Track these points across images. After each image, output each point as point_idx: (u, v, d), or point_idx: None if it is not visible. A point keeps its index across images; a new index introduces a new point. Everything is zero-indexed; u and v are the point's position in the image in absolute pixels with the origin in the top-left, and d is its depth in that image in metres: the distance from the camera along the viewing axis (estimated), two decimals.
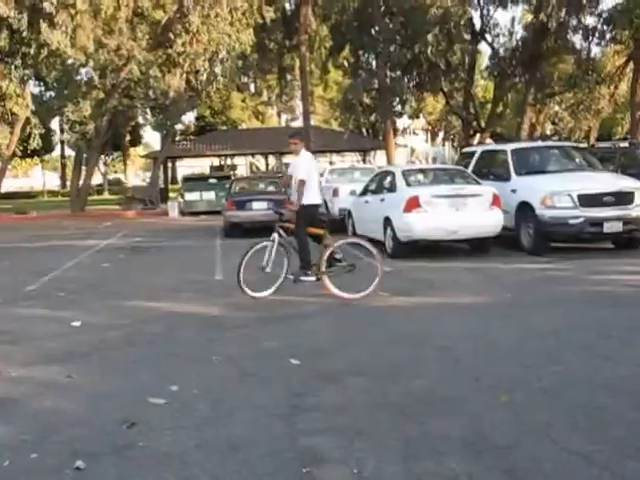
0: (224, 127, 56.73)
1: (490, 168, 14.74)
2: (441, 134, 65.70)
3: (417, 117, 56.74)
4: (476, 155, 15.48)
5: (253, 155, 50.47)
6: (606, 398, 4.83)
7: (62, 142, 52.55)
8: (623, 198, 12.13)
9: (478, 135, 35.37)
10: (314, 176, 9.41)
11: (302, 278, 8.96)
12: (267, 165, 52.31)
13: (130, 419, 4.67)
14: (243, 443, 4.24)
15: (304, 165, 9.26)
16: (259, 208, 18.10)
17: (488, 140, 33.44)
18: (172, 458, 4.06)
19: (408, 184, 13.10)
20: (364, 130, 49.78)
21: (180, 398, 5.13)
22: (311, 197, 9.21)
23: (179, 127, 53.31)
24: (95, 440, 4.37)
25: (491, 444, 4.12)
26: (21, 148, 31.36)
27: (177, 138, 53.16)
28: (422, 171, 15.10)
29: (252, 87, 56.79)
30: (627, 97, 32.52)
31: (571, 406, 4.69)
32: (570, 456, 3.91)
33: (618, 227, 11.93)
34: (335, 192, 17.72)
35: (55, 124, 47.65)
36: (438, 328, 7.14)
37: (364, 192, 15.10)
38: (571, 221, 11.87)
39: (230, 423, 4.59)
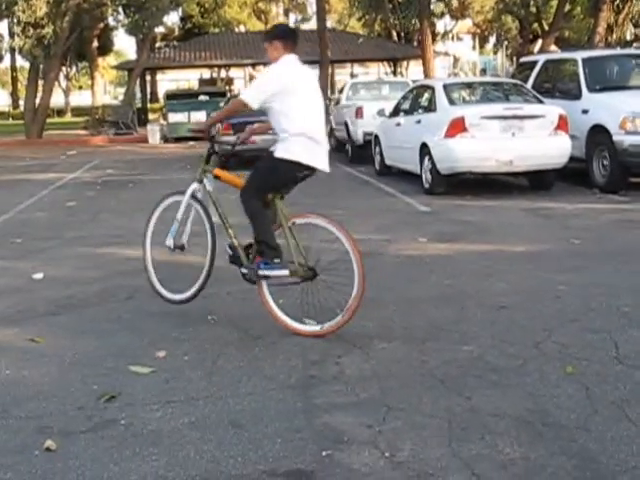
0: (217, 30, 56.16)
1: (555, 83, 14.62)
2: (492, 40, 64.86)
3: (462, 17, 55.97)
4: (537, 66, 15.35)
5: (254, 66, 49.99)
6: None
7: (12, 50, 52.22)
8: None
9: (540, 41, 34.92)
10: (298, 102, 5.78)
11: (265, 272, 5.93)
12: None
13: (108, 391, 4.76)
14: (248, 421, 4.31)
15: (266, 78, 6.02)
16: None
17: (553, 47, 33.00)
18: (161, 438, 4.13)
19: (451, 102, 13.03)
20: (394, 34, 49.20)
21: (169, 366, 5.20)
22: (287, 146, 5.85)
23: (160, 30, 52.83)
24: (66, 416, 4.45)
25: (554, 424, 4.17)
26: None
27: (158, 45, 52.78)
28: (469, 86, 14.98)
29: None
30: None
31: None
32: None
33: None
34: (358, 112, 17.65)
35: (4, 28, 47.38)
36: (489, 283, 7.18)
37: (395, 112, 15.04)
38: None
39: (231, 396, 4.66)
